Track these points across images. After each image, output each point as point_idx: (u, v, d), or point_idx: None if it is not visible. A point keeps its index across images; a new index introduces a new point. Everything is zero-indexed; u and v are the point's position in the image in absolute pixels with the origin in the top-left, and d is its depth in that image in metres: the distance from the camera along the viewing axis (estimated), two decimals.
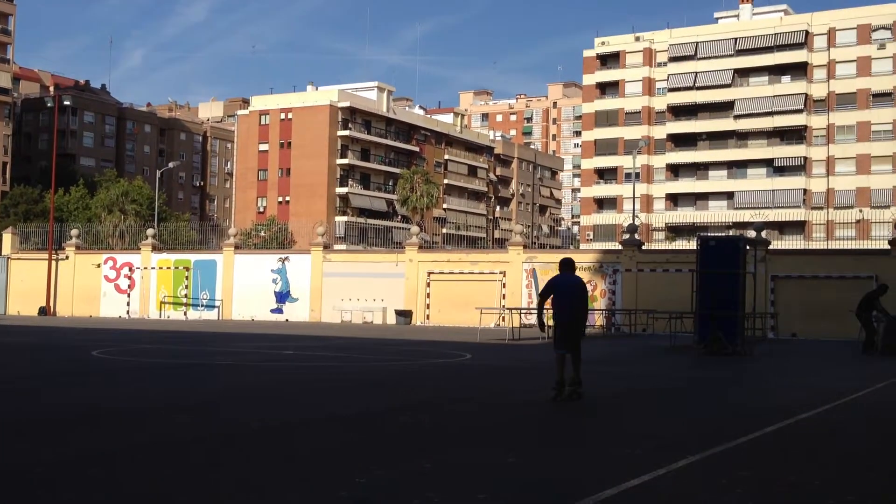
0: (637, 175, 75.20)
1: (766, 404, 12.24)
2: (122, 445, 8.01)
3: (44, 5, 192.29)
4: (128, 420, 9.63)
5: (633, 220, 45.97)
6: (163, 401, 11.39)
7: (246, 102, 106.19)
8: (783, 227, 73.69)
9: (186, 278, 43.77)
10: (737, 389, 14.87)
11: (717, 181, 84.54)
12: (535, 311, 11.34)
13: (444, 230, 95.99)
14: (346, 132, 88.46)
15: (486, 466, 7.29)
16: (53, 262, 45.60)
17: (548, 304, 11.64)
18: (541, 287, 11.94)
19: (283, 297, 42.19)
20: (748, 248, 23.48)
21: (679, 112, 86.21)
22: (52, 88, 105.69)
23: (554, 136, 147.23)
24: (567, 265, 11.60)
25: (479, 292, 37.51)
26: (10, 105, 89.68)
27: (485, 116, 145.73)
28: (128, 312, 44.27)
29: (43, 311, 44.98)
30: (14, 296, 46.70)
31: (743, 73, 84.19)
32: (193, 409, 10.73)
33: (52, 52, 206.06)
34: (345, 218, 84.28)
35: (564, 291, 11.25)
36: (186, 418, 9.82)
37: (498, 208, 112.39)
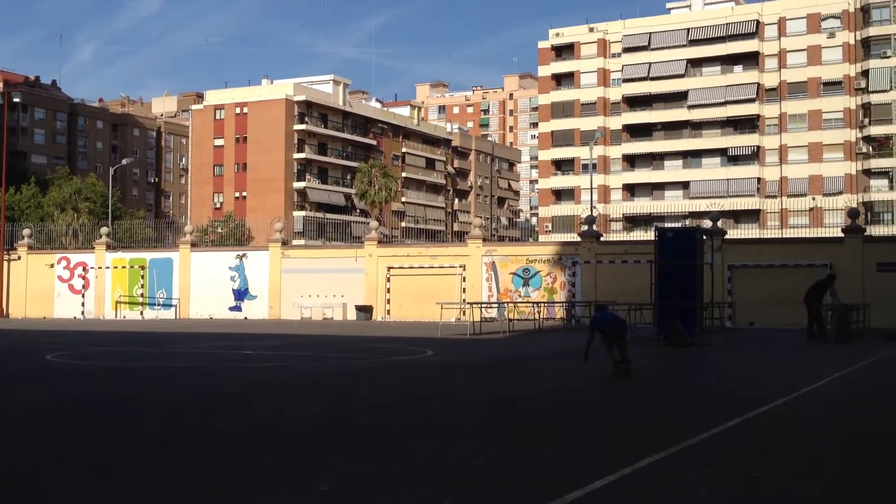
0: (594, 166, 75.60)
1: (727, 397, 12.34)
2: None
3: None
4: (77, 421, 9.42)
5: (591, 211, 46.27)
6: (116, 404, 11.16)
7: (200, 97, 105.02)
8: (738, 217, 74.67)
9: (142, 277, 43.20)
10: (698, 381, 14.99)
11: (672, 171, 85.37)
12: (584, 341, 14.19)
13: (403, 224, 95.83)
14: (303, 126, 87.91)
15: (451, 468, 7.21)
16: (5, 263, 44.72)
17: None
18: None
19: (241, 294, 41.80)
20: (705, 238, 23.66)
21: (634, 103, 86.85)
22: (0, 85, 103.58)
23: (511, 128, 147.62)
24: (602, 307, 15.99)
25: (440, 287, 37.48)
26: None
27: (441, 109, 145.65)
28: (83, 313, 43.58)
29: None
30: None
31: (696, 64, 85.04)
32: (148, 409, 10.53)
33: (0, 48, 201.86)
34: (303, 213, 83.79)
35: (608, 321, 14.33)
36: (148, 419, 9.62)
37: (456, 201, 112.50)
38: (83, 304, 43.86)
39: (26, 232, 46.26)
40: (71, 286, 44.21)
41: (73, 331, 30.79)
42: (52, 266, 44.54)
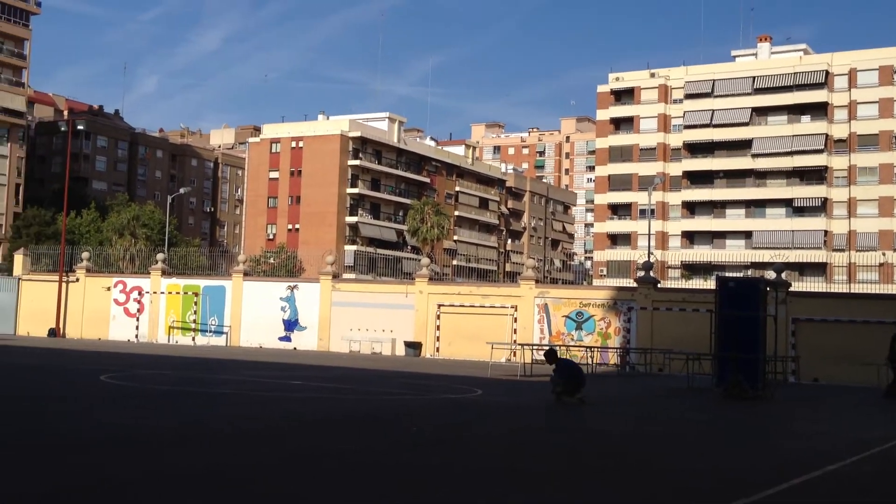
0: (652, 211, 74.81)
1: (790, 453, 11.78)
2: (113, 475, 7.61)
3: (59, 30, 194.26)
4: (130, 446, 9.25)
5: (649, 257, 45.50)
6: (159, 430, 10.99)
7: (257, 130, 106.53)
8: (803, 269, 73.00)
9: (195, 303, 43.46)
10: (760, 436, 14.39)
11: (734, 220, 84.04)
12: (546, 349, 17.78)
13: (455, 262, 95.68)
14: (357, 162, 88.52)
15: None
16: (64, 284, 45.37)
17: None
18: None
19: (291, 325, 41.79)
20: (768, 289, 23.00)
21: (695, 149, 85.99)
22: (66, 113, 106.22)
23: (566, 171, 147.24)
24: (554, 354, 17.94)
25: (490, 326, 37.05)
26: (25, 128, 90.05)
27: (496, 149, 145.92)
28: (136, 336, 43.93)
29: (52, 332, 44.68)
30: (24, 316, 46.46)
31: (761, 112, 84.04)
32: (191, 439, 10.33)
33: (66, 77, 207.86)
34: (354, 247, 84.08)
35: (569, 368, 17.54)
36: (182, 449, 9.41)
37: (509, 241, 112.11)
38: (137, 328, 44.22)
39: (85, 255, 46.92)
40: (126, 309, 44.64)
41: (126, 353, 30.97)
42: (108, 289, 45.05)
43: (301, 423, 12.29)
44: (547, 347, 34.52)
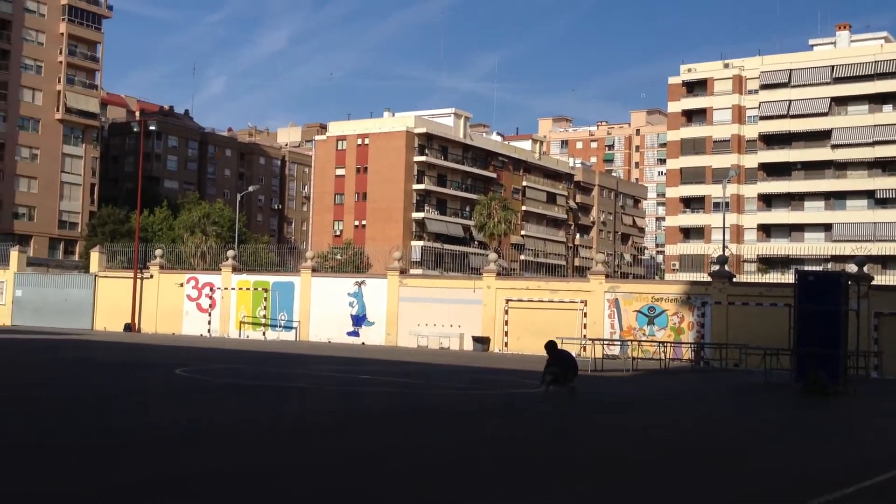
0: (727, 204, 73.33)
1: (871, 450, 11.29)
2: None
3: (130, 33, 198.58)
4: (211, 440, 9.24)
5: (724, 251, 44.53)
6: (235, 424, 10.98)
7: (323, 128, 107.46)
8: (886, 262, 70.82)
9: (265, 299, 43.95)
10: (840, 433, 13.87)
11: (813, 212, 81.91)
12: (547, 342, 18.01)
13: (522, 257, 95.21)
14: (423, 158, 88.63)
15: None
16: (138, 281, 46.31)
17: None
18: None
19: (359, 320, 41.98)
20: (849, 283, 22.22)
21: (772, 141, 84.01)
22: (137, 114, 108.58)
23: (637, 164, 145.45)
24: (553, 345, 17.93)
25: (559, 321, 36.67)
26: (98, 129, 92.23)
27: (564, 143, 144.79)
28: (209, 331, 44.62)
29: (128, 327, 45.68)
30: (101, 312, 47.57)
31: (841, 102, 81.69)
32: (268, 434, 10.30)
33: (137, 79, 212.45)
34: (421, 243, 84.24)
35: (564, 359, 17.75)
36: (272, 442, 9.37)
37: (578, 236, 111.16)
38: (209, 323, 44.91)
39: (158, 252, 47.82)
40: (199, 305, 45.36)
41: (200, 348, 31.41)
42: (181, 285, 45.83)
43: (372, 417, 12.20)
44: (618, 343, 34.20)
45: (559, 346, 18.27)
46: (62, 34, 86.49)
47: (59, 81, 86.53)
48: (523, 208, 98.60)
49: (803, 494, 7.44)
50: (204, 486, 7.05)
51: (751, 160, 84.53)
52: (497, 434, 11.27)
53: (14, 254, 51.00)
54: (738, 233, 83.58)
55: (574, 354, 22.61)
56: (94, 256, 49.80)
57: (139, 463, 8.02)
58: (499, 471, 8.43)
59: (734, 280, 36.52)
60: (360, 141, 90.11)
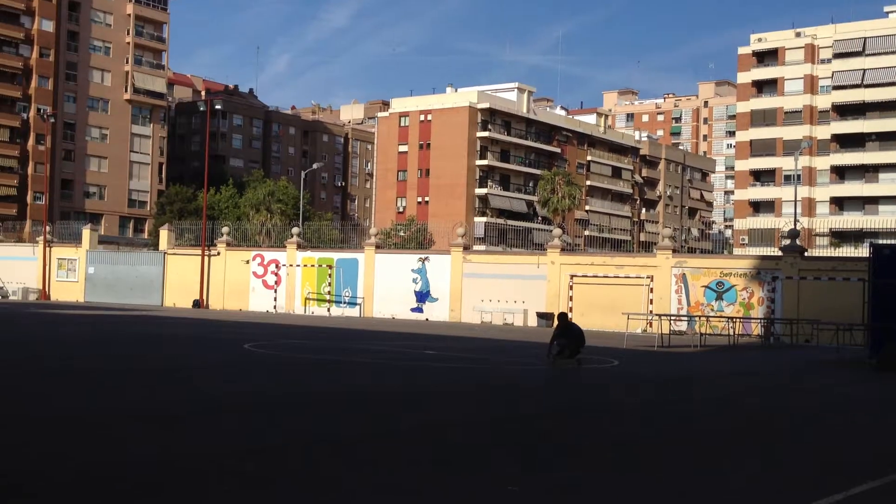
0: (798, 177, 71.60)
1: None
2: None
3: (194, 14, 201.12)
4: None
5: (795, 224, 43.54)
6: (309, 397, 11.05)
7: (386, 105, 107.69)
8: None
9: (329, 276, 44.33)
10: None
11: (888, 184, 79.47)
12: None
13: (587, 232, 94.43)
14: (486, 133, 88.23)
15: (640, 485, 6.48)
16: (206, 258, 47.11)
17: None
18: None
19: (423, 296, 42.10)
20: None
21: (845, 111, 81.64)
22: (203, 93, 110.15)
23: (705, 137, 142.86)
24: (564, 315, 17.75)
25: (625, 297, 36.32)
26: (166, 109, 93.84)
27: (629, 117, 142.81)
28: (274, 307, 45.22)
29: (196, 303, 46.56)
30: (170, 289, 48.57)
31: None
32: (341, 402, 10.34)
33: (203, 58, 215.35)
34: (484, 219, 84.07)
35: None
36: (344, 411, 9.41)
37: (643, 211, 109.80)
38: (275, 299, 45.51)
39: (225, 230, 48.56)
40: (265, 282, 45.98)
41: (266, 323, 31.85)
42: (247, 262, 46.50)
43: (439, 392, 12.18)
44: (686, 318, 33.69)
45: (569, 319, 18.43)
46: (129, 15, 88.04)
47: (127, 62, 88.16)
48: (588, 183, 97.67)
49: (877, 472, 7.19)
50: (305, 450, 7.10)
51: (823, 131, 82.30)
52: (562, 408, 11.17)
53: (86, 232, 52.30)
54: (809, 206, 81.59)
55: (640, 331, 22.21)
56: (163, 234, 50.80)
57: (240, 429, 8.11)
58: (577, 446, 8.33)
59: (805, 254, 35.68)
60: (422, 117, 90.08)
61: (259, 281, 46.09)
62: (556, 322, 17.58)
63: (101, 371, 13.74)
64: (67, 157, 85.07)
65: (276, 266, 45.69)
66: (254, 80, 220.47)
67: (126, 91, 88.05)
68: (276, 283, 45.62)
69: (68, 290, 51.12)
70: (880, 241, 36.70)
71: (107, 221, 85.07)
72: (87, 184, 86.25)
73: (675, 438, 9.17)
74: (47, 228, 53.55)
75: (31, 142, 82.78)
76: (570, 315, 18.49)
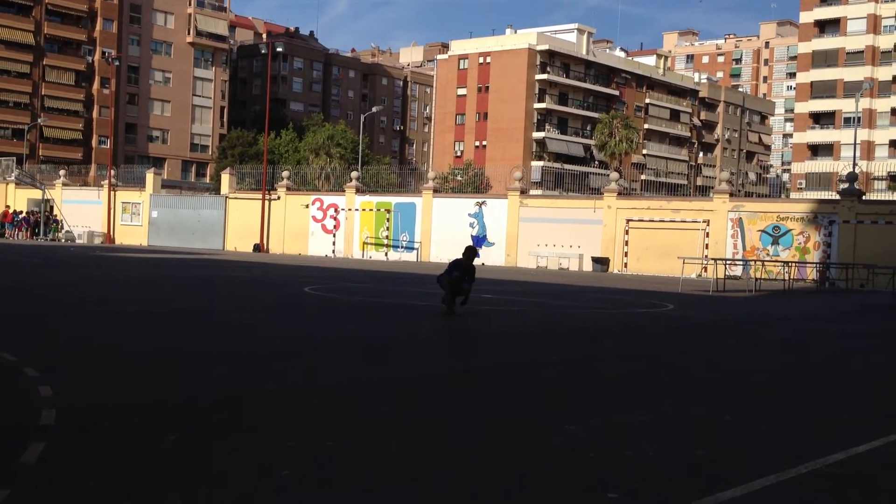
0: (858, 120, 70.10)
1: None
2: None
3: None
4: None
5: (854, 167, 43.00)
6: (377, 338, 11.71)
7: (445, 47, 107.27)
8: None
9: (388, 220, 45.00)
10: None
11: None
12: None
13: (644, 177, 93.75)
14: (544, 76, 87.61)
15: (701, 422, 6.98)
16: (266, 202, 48.07)
17: None
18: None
19: (479, 241, 42.56)
20: None
21: None
22: (264, 35, 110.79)
23: (765, 79, 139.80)
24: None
25: (680, 241, 36.41)
26: (227, 52, 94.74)
27: (689, 58, 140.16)
28: (333, 252, 46.12)
29: (257, 248, 47.67)
30: (231, 233, 49.70)
31: None
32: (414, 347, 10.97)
33: (264, 1, 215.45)
34: (541, 163, 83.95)
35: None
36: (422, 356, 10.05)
37: (701, 154, 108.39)
38: (334, 244, 46.41)
39: (285, 174, 49.37)
40: (324, 226, 46.86)
41: (325, 267, 32.72)
42: (307, 206, 47.36)
43: (497, 335, 12.74)
44: (741, 263, 33.75)
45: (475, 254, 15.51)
46: None
47: (190, 4, 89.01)
48: (645, 126, 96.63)
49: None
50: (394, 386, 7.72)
51: (885, 73, 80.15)
52: (617, 352, 11.66)
53: (150, 176, 53.57)
54: (868, 149, 79.87)
55: (695, 275, 22.10)
56: (225, 178, 51.82)
57: (329, 368, 8.79)
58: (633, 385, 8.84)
59: (863, 198, 35.35)
60: (481, 59, 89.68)
61: (318, 225, 46.97)
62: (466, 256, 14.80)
63: (158, 314, 14.54)
64: (131, 100, 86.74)
65: (335, 210, 46.48)
66: (314, 23, 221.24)
67: (189, 34, 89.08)
68: (334, 227, 46.46)
69: (132, 233, 52.61)
70: None
71: (169, 165, 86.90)
72: (151, 128, 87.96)
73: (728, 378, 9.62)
74: (112, 172, 54.98)
75: (95, 85, 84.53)
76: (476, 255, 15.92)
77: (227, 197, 50.38)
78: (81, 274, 23.55)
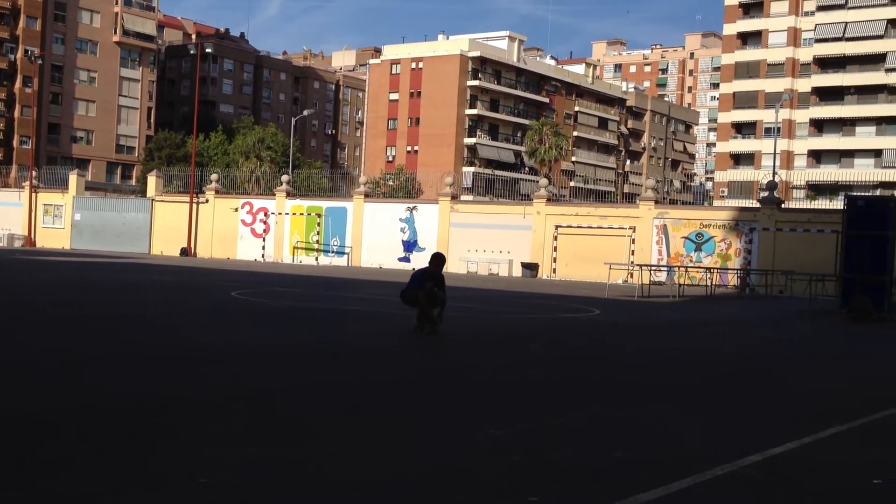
0: (778, 130, 72.12)
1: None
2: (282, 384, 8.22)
3: None
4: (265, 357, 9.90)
5: (773, 177, 44.24)
6: (299, 344, 11.63)
7: (378, 52, 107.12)
8: None
9: (318, 224, 44.76)
10: (887, 357, 14.14)
11: (864, 138, 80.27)
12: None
13: (572, 183, 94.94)
14: (476, 82, 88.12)
15: (622, 425, 7.12)
16: (194, 205, 47.36)
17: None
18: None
19: (410, 245, 42.62)
20: None
21: (826, 64, 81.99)
22: (194, 36, 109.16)
23: (690, 89, 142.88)
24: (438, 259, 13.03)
25: (608, 247, 36.97)
26: (155, 52, 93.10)
27: (618, 67, 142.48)
28: (263, 256, 45.67)
29: (184, 251, 46.91)
30: (158, 236, 48.85)
31: None
32: (326, 350, 10.93)
33: (193, 1, 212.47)
34: (472, 169, 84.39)
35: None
36: (328, 359, 10.01)
37: (628, 162, 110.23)
38: (263, 248, 45.96)
39: (214, 177, 48.74)
40: (253, 230, 46.38)
41: (254, 272, 32.37)
42: (236, 210, 46.82)
43: (425, 341, 12.77)
44: (665, 269, 34.42)
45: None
46: None
47: (117, 3, 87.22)
48: (575, 134, 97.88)
49: (815, 424, 7.78)
50: (290, 395, 7.66)
51: (804, 84, 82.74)
52: (542, 357, 11.78)
53: (73, 177, 52.32)
54: (788, 159, 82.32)
55: (622, 281, 22.35)
56: (151, 181, 50.93)
57: (225, 375, 8.68)
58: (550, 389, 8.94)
59: (782, 206, 36.43)
60: (414, 65, 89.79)
61: (248, 229, 46.48)
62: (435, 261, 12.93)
63: (82, 317, 14.27)
64: (55, 100, 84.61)
65: (265, 214, 46.06)
66: (245, 25, 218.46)
67: (115, 33, 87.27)
68: (264, 231, 46.03)
69: (54, 236, 51.36)
70: (854, 194, 37.35)
71: (94, 167, 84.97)
72: (75, 128, 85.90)
73: (654, 382, 9.80)
74: (33, 173, 53.61)
75: (18, 84, 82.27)
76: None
77: (153, 200, 49.52)
78: None
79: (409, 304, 12.69)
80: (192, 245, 47.28)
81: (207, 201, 47.57)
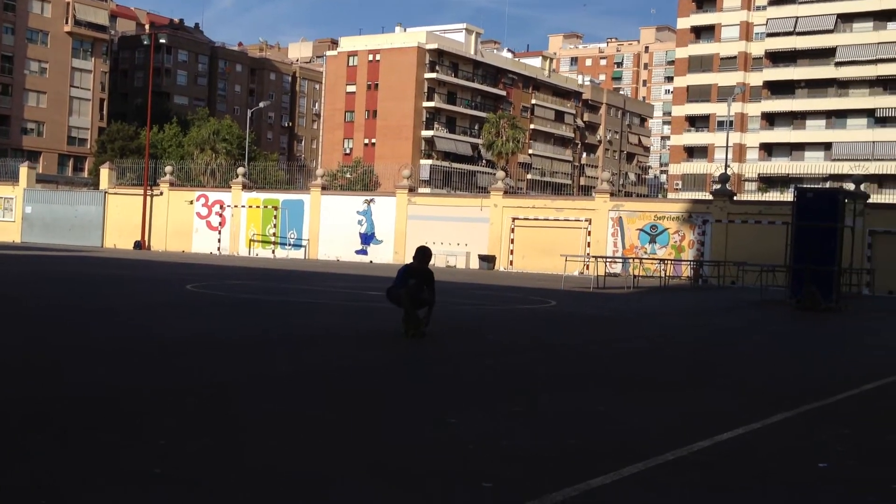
0: (730, 123, 73.12)
1: (865, 361, 11.88)
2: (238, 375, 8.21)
3: None
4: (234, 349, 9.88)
5: (725, 169, 44.91)
6: (255, 336, 11.61)
7: (335, 43, 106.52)
8: (882, 181, 71.04)
9: (275, 217, 44.51)
10: (835, 346, 14.47)
11: (814, 131, 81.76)
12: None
13: (529, 176, 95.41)
14: (433, 75, 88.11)
15: (575, 414, 7.23)
16: (148, 198, 46.83)
17: None
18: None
19: (367, 238, 42.58)
20: (847, 201, 22.67)
21: (777, 58, 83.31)
22: (147, 27, 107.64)
23: (644, 82, 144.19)
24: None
25: (564, 239, 37.27)
26: (108, 43, 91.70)
27: (574, 60, 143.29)
28: (218, 249, 45.31)
29: (138, 245, 46.37)
30: (111, 229, 48.22)
31: (847, 19, 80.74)
32: (287, 342, 10.93)
33: None
34: (429, 161, 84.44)
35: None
36: (285, 352, 10.01)
37: (584, 155, 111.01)
38: (219, 241, 45.59)
39: (168, 169, 48.22)
40: (208, 223, 45.98)
41: (210, 265, 32.13)
42: (191, 203, 46.37)
43: (382, 332, 12.82)
44: (620, 260, 34.79)
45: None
46: None
47: None
48: (531, 127, 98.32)
49: (763, 411, 7.96)
50: (245, 387, 7.66)
51: (756, 78, 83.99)
52: (497, 348, 11.87)
53: (23, 170, 51.46)
54: (740, 152, 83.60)
55: (578, 273, 22.45)
56: (104, 173, 50.25)
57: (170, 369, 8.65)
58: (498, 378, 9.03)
59: (735, 198, 37.02)
60: (371, 57, 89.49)
61: (203, 222, 46.08)
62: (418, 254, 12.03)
63: (32, 310, 14.10)
64: (5, 91, 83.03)
65: (221, 207, 45.68)
66: (200, 15, 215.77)
67: (67, 23, 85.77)
68: (220, 224, 45.66)
69: (4, 229, 50.48)
70: (805, 186, 38.10)
71: (45, 159, 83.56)
72: (25, 120, 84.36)
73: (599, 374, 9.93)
74: None
75: None
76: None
77: (106, 192, 48.86)
78: None
79: (396, 304, 11.80)
80: (147, 238, 46.77)
81: (162, 194, 47.07)
